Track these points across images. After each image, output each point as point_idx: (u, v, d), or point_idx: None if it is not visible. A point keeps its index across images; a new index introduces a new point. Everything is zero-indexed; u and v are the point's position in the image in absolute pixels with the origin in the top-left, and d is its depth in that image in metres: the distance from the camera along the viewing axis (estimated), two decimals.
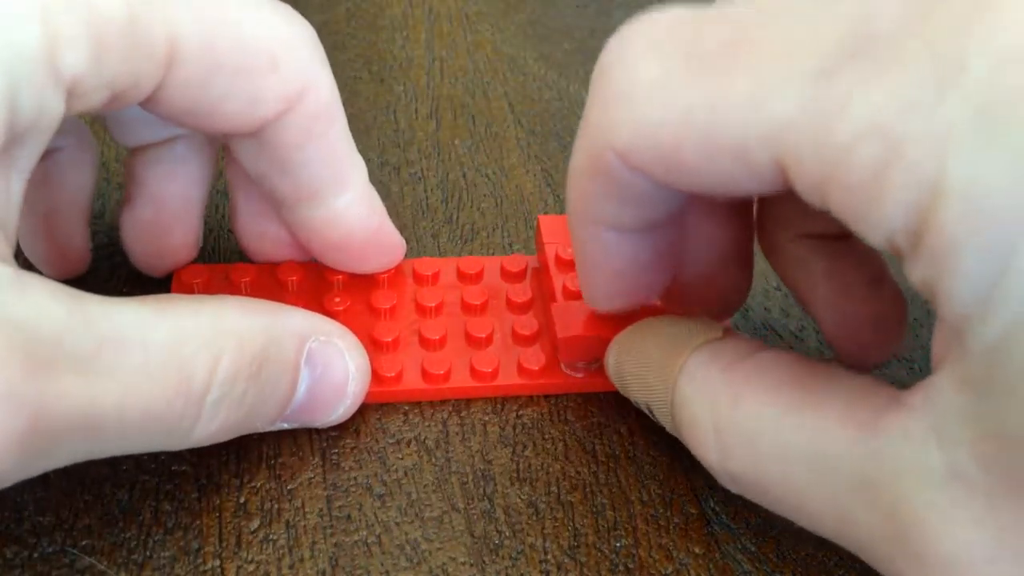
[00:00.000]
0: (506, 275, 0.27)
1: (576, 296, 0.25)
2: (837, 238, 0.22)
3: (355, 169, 0.24)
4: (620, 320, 0.24)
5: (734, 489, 0.21)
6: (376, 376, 0.24)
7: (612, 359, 0.23)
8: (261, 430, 0.22)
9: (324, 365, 0.22)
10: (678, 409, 0.21)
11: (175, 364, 0.19)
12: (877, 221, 0.16)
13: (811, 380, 0.19)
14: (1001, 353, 0.15)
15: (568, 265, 0.26)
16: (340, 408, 0.23)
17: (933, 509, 0.16)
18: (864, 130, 0.15)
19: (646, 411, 0.23)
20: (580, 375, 0.25)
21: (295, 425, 0.23)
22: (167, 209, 0.25)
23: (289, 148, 0.23)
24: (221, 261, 0.28)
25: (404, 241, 0.26)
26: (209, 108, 0.21)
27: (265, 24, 0.21)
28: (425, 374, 0.24)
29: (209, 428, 0.20)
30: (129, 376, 0.18)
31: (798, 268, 0.22)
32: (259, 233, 0.26)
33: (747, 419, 0.19)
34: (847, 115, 0.15)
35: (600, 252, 0.21)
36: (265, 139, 0.22)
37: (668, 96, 0.18)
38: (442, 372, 0.24)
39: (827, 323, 0.22)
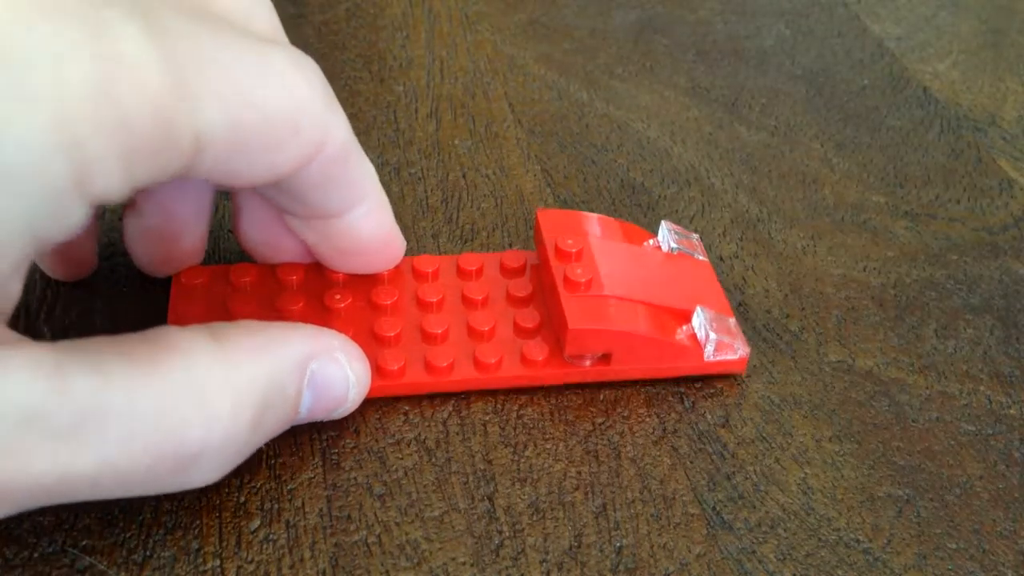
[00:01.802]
0: (506, 271, 0.27)
1: (577, 288, 0.25)
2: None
3: (368, 183, 0.24)
4: (629, 312, 0.24)
5: None
6: (380, 370, 0.24)
7: None
8: None
9: (325, 383, 0.22)
10: None
11: (164, 432, 0.19)
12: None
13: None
14: None
15: (568, 256, 0.26)
16: (337, 412, 0.23)
17: None
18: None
19: None
20: (586, 364, 0.25)
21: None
22: (177, 218, 0.25)
23: (307, 190, 0.23)
24: (221, 261, 0.28)
25: (404, 242, 0.26)
26: (232, 177, 0.21)
27: (286, 91, 0.20)
28: (429, 367, 0.24)
29: (210, 476, 0.20)
30: (109, 448, 0.18)
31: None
32: (262, 240, 0.26)
33: None
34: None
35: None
36: (282, 186, 0.22)
37: None
38: (445, 364, 0.24)
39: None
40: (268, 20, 0.23)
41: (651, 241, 0.28)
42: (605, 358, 0.25)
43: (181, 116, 0.18)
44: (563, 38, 0.39)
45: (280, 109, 0.20)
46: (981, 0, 0.45)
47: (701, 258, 0.28)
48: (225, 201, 0.30)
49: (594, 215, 0.28)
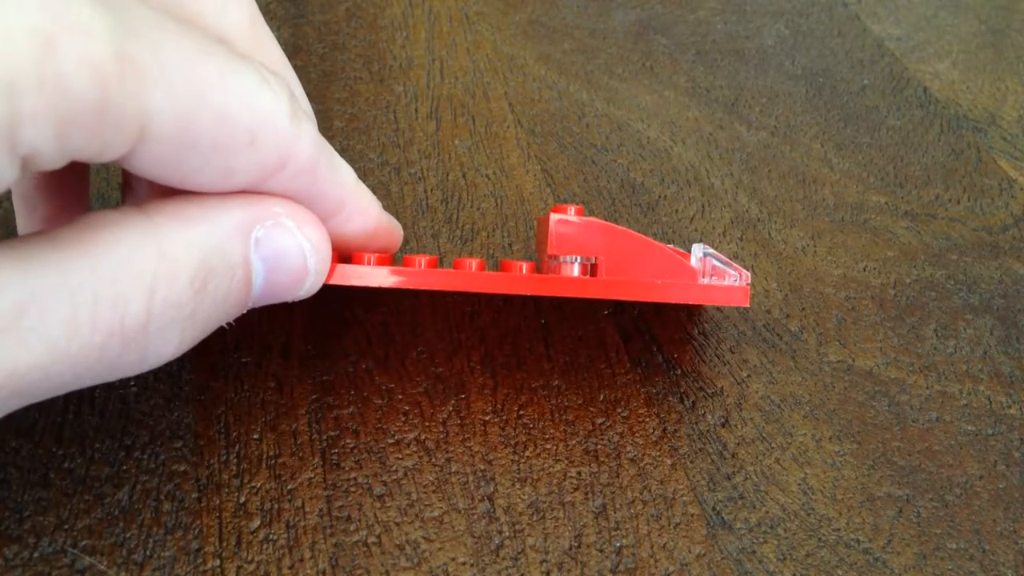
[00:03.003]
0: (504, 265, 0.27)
1: (566, 210, 0.24)
2: None
3: (342, 192, 0.23)
4: (618, 228, 0.24)
5: None
6: (355, 258, 0.23)
7: None
8: (228, 322, 0.22)
9: (276, 251, 0.22)
10: None
11: (105, 307, 0.18)
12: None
13: None
14: None
15: (565, 211, 0.25)
16: (306, 284, 0.22)
17: None
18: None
19: None
20: (573, 271, 0.24)
21: (265, 304, 0.23)
22: None
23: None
24: None
25: (402, 231, 0.26)
26: (181, 177, 0.20)
27: (246, 98, 0.20)
28: (405, 261, 0.24)
29: (165, 350, 0.20)
30: (53, 332, 0.18)
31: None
32: None
33: None
34: None
35: None
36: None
37: None
38: (421, 263, 0.24)
39: None
40: (244, 10, 0.23)
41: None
42: (593, 270, 0.24)
43: (126, 94, 0.18)
44: (563, 38, 0.39)
45: (238, 116, 0.20)
46: (981, 0, 0.45)
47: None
48: None
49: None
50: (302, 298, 0.23)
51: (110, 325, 0.18)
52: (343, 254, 0.25)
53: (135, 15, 0.18)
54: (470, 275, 0.24)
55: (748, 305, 0.24)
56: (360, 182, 0.24)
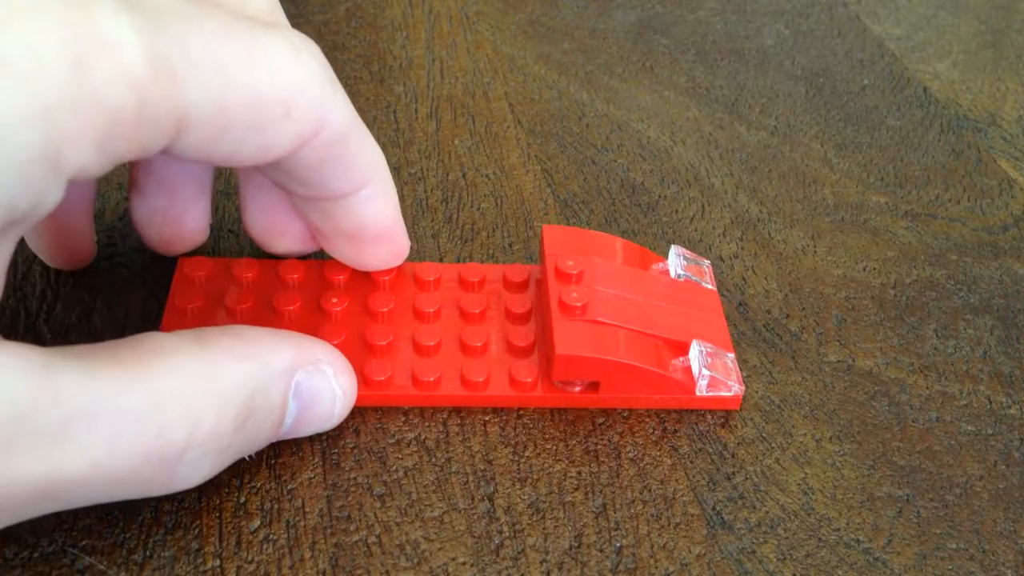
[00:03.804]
0: (508, 284, 0.27)
1: (572, 312, 0.25)
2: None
3: (372, 166, 0.24)
4: (621, 341, 0.24)
5: None
6: (366, 380, 0.24)
7: None
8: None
9: (311, 395, 0.22)
10: None
11: (151, 432, 0.19)
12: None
13: None
14: None
15: (567, 278, 0.25)
16: (325, 427, 0.23)
17: None
18: None
19: None
20: (576, 390, 0.25)
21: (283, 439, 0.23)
22: (179, 195, 0.25)
23: (306, 171, 0.22)
24: None
25: (409, 241, 0.26)
26: (220, 157, 0.20)
27: (278, 73, 0.20)
28: (416, 381, 0.24)
29: (193, 478, 0.20)
30: (98, 448, 0.18)
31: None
32: (268, 226, 0.26)
33: None
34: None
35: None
36: (281, 166, 0.22)
37: None
38: (432, 379, 0.24)
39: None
40: (265, 2, 0.23)
41: (660, 264, 0.27)
42: (594, 385, 0.25)
43: (161, 96, 0.18)
44: (563, 38, 0.39)
45: (269, 92, 0.20)
46: (981, 0, 0.45)
47: (709, 286, 0.27)
48: (226, 202, 0.30)
49: (601, 234, 0.27)
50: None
51: (149, 450, 0.19)
52: (357, 248, 0.25)
53: (157, 11, 0.18)
54: (488, 397, 0.25)
55: (738, 409, 0.26)
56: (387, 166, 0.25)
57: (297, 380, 0.22)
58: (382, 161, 0.24)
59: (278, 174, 0.23)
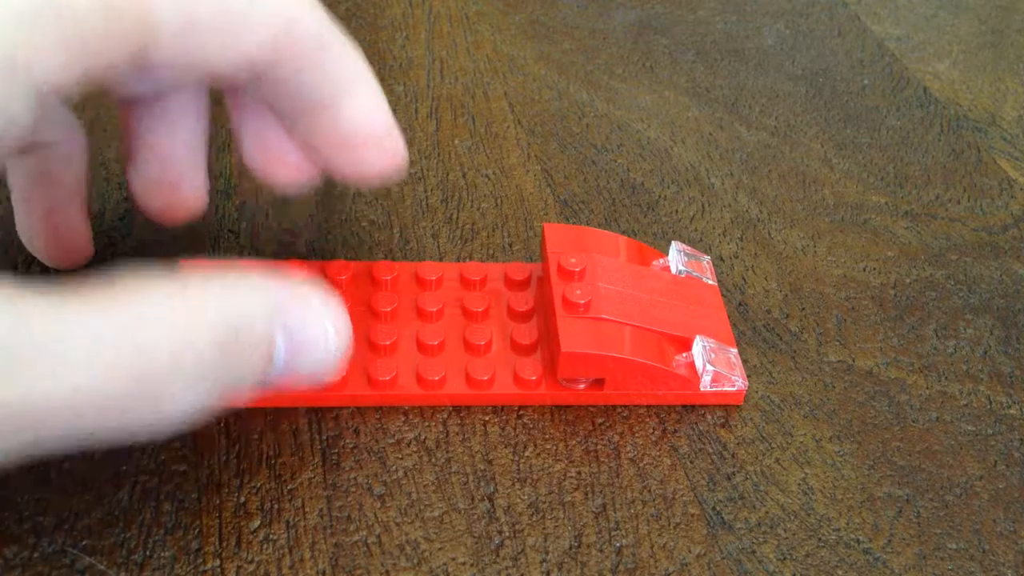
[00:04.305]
0: (509, 283, 0.27)
1: (576, 309, 0.25)
2: None
3: (353, 69, 0.24)
4: (625, 337, 0.24)
5: None
6: (371, 380, 0.24)
7: None
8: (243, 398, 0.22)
9: (301, 331, 0.22)
10: None
11: (130, 352, 0.18)
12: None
13: None
14: None
15: (570, 276, 0.25)
16: (323, 368, 0.22)
17: None
18: None
19: None
20: (580, 387, 0.25)
21: (284, 385, 0.22)
22: (173, 163, 0.25)
23: (286, 81, 0.22)
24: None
25: (405, 148, 0.25)
26: (196, 70, 0.21)
27: None
28: (420, 380, 0.24)
29: (181, 407, 0.20)
30: (75, 369, 0.18)
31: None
32: (265, 159, 0.25)
33: None
34: None
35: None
36: (263, 81, 0.22)
37: None
38: (437, 378, 0.24)
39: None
40: None
41: (660, 261, 0.27)
42: (599, 382, 0.25)
43: (126, 1, 0.18)
44: (563, 38, 0.39)
45: None
46: (981, 0, 0.45)
47: (710, 282, 0.27)
48: (226, 202, 0.30)
49: (602, 232, 0.27)
50: (320, 383, 0.23)
51: (130, 371, 0.18)
52: (351, 155, 0.25)
53: None
54: (492, 395, 0.25)
55: (741, 404, 0.26)
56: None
57: (284, 315, 0.21)
58: (363, 63, 0.24)
59: (263, 91, 0.23)
